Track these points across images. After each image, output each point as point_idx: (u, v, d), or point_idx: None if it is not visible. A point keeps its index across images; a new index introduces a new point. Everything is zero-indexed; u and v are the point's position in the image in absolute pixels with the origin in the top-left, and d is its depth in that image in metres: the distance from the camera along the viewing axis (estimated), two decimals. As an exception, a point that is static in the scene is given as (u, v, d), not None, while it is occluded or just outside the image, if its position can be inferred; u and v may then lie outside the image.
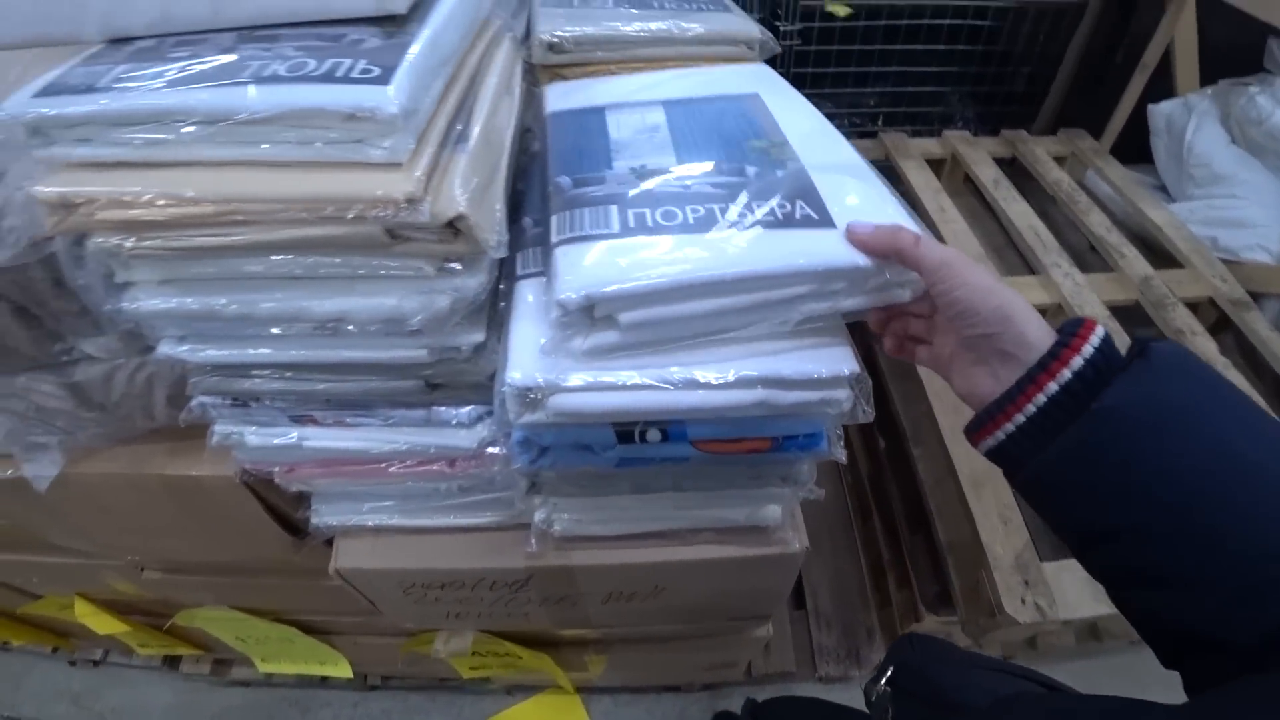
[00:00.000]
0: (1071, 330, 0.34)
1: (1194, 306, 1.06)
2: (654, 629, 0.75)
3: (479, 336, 0.42)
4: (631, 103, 0.53)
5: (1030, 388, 0.34)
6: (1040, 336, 0.35)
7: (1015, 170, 1.35)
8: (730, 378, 0.39)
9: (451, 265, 0.38)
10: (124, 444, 0.61)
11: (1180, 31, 1.24)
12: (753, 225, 0.40)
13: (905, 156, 1.33)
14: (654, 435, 0.43)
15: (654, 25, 0.62)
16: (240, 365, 0.45)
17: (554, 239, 0.40)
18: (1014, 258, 1.23)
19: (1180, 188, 1.27)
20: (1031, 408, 0.34)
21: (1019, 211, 1.20)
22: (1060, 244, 1.14)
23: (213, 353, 0.45)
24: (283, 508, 0.63)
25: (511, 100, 0.51)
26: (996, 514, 0.81)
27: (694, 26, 0.63)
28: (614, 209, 0.41)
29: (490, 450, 0.48)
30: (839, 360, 0.41)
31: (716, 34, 0.64)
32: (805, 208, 0.41)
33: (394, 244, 0.36)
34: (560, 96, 0.56)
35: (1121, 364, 0.33)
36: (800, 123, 0.51)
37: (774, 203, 0.41)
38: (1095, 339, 0.34)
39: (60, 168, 0.37)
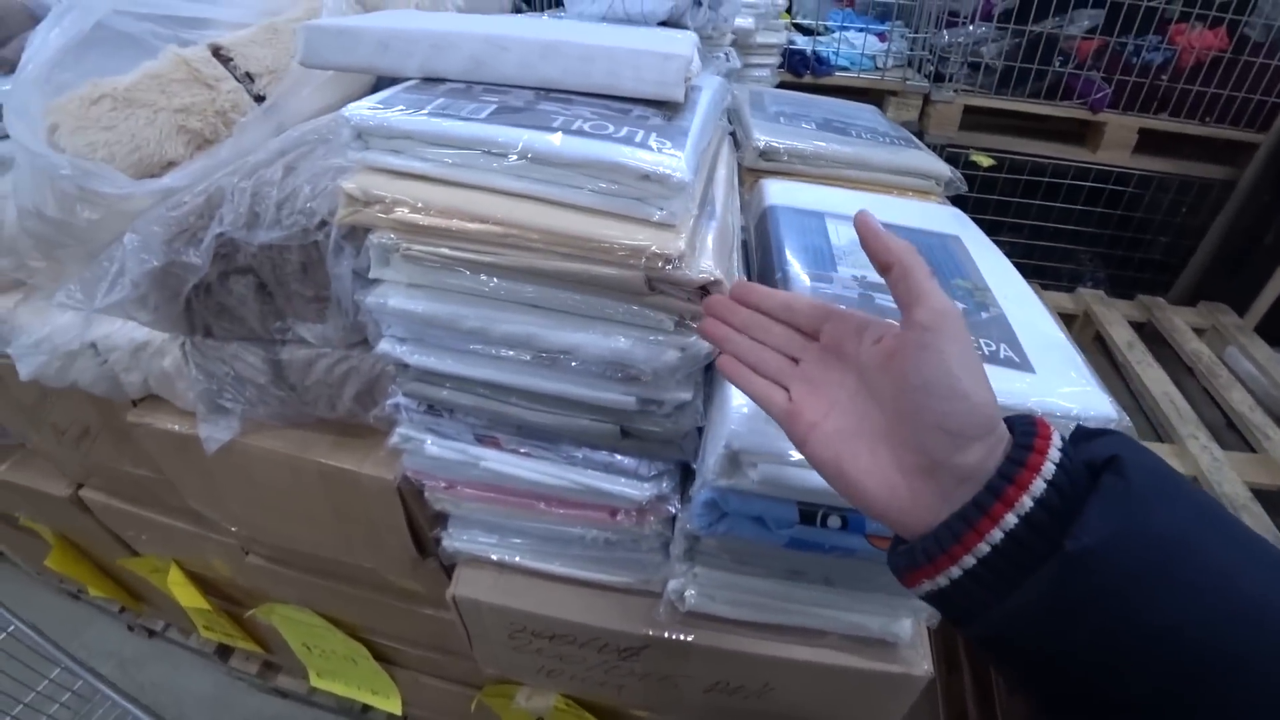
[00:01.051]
0: (1024, 442, 0.27)
1: (1346, 507, 0.98)
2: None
3: (686, 396, 0.44)
4: (846, 215, 0.57)
5: (982, 521, 0.26)
6: (999, 451, 0.27)
7: (1147, 336, 1.31)
8: None
9: (691, 324, 0.40)
10: (294, 427, 0.65)
11: (1340, 225, 1.22)
12: None
13: (1035, 303, 1.32)
14: (834, 521, 0.43)
15: (850, 151, 0.67)
16: (452, 376, 0.48)
17: None
18: (1141, 423, 1.18)
19: (1331, 382, 1.21)
20: (984, 547, 0.25)
21: (1154, 378, 1.16)
22: (1199, 417, 1.09)
23: (429, 360, 0.48)
24: (420, 522, 0.65)
25: (734, 194, 0.56)
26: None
27: (890, 158, 0.67)
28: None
29: (662, 505, 0.49)
30: None
31: (910, 167, 0.68)
32: (1009, 351, 0.43)
33: (648, 294, 0.39)
34: (780, 192, 0.60)
35: (1085, 479, 0.26)
36: (999, 274, 0.53)
37: (981, 341, 0.43)
38: (1055, 452, 0.26)
39: (367, 170, 0.43)
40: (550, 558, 0.60)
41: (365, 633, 0.90)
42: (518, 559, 0.61)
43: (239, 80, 0.68)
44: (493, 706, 0.79)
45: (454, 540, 0.63)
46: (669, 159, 0.38)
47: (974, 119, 1.47)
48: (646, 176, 0.37)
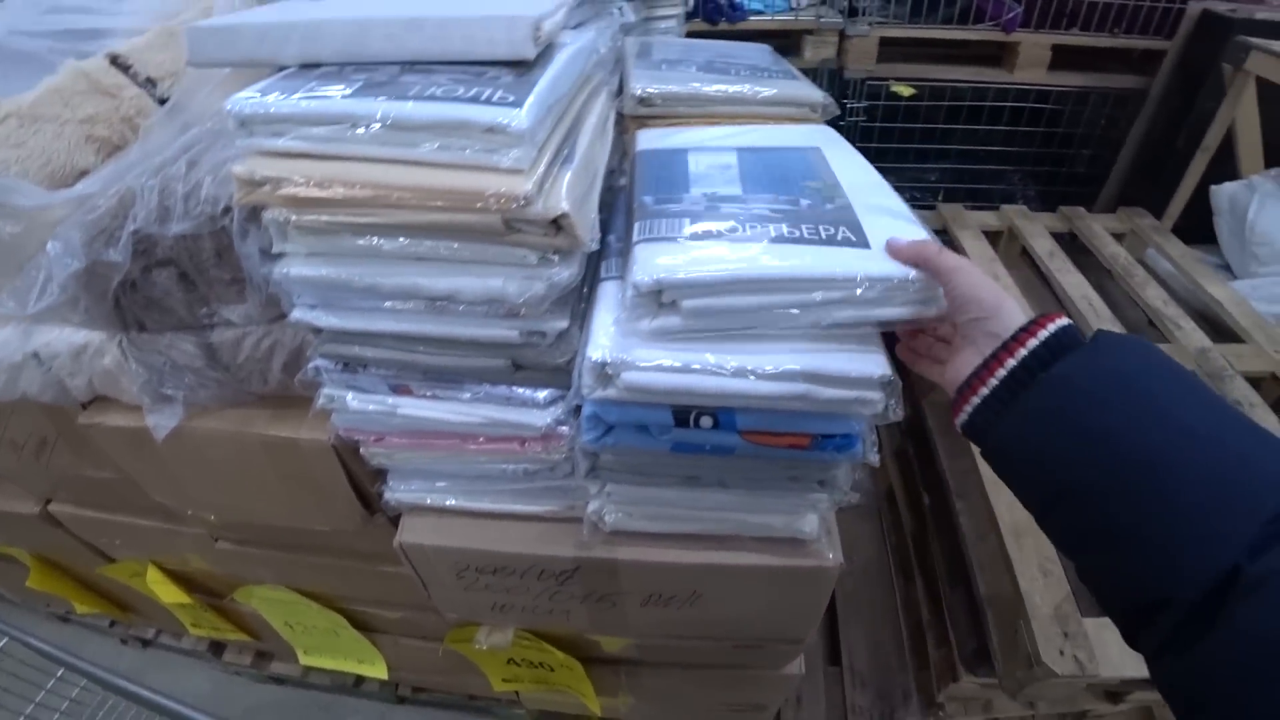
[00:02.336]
0: (1038, 318, 0.40)
1: (1255, 382, 1.05)
2: (687, 644, 0.77)
3: (563, 324, 0.48)
4: (710, 147, 0.62)
5: (994, 363, 0.40)
6: (1017, 323, 0.41)
7: (1073, 246, 1.37)
8: (775, 369, 0.45)
9: (551, 257, 0.45)
10: (235, 407, 0.69)
11: (1242, 115, 1.27)
12: (800, 241, 0.48)
13: (962, 227, 1.37)
14: (706, 421, 0.48)
15: (731, 88, 0.71)
16: (358, 333, 0.53)
17: (635, 239, 0.48)
18: (1068, 328, 1.24)
19: (1243, 266, 1.27)
20: (994, 380, 0.40)
21: (1073, 283, 1.22)
22: (1115, 316, 1.16)
23: (337, 320, 0.52)
24: (362, 480, 0.69)
25: (605, 140, 0.60)
26: (1037, 565, 0.81)
27: (765, 90, 0.71)
28: (686, 220, 0.49)
29: (561, 428, 0.54)
30: (872, 364, 0.47)
31: (785, 97, 0.72)
32: (847, 232, 0.49)
33: (508, 234, 0.44)
34: (649, 139, 0.65)
35: (1069, 348, 0.38)
36: (853, 172, 0.59)
37: (820, 226, 0.49)
38: (1054, 325, 0.39)
39: (254, 154, 0.47)
40: (481, 496, 0.65)
41: (340, 602, 0.96)
42: (453, 501, 0.66)
43: (140, 86, 0.71)
44: (461, 651, 0.84)
45: (395, 492, 0.68)
46: (509, 111, 0.42)
47: (891, 50, 1.50)
48: (490, 129, 0.42)
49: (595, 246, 0.45)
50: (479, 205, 0.42)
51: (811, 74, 1.52)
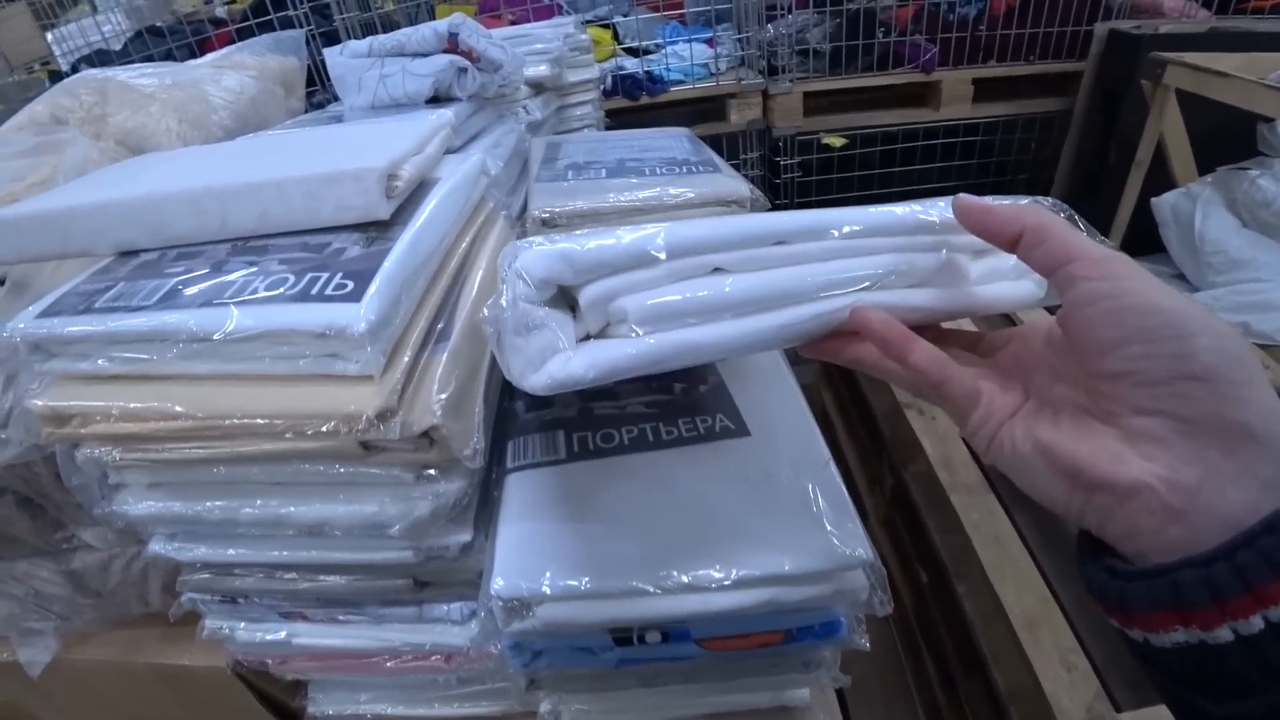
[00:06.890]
0: None
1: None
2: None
3: (465, 537, 0.40)
4: None
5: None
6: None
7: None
8: (731, 579, 0.36)
9: (429, 473, 0.37)
10: (118, 628, 0.59)
11: (1168, 127, 1.26)
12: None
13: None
14: (654, 637, 0.39)
15: (643, 194, 0.64)
16: (228, 565, 0.44)
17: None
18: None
19: (1200, 276, 1.24)
20: None
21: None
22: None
23: (202, 551, 0.44)
24: (278, 696, 0.59)
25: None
26: (1058, 659, 0.73)
27: (684, 191, 0.64)
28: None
29: (489, 646, 0.45)
30: (848, 547, 0.38)
31: (707, 196, 0.65)
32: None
33: (370, 455, 0.36)
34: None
35: None
36: None
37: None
38: None
39: (58, 380, 0.38)
40: (418, 703, 0.56)
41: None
42: (388, 709, 0.57)
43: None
44: None
45: (319, 706, 0.58)
46: (345, 309, 0.34)
47: (817, 103, 1.49)
48: (323, 335, 0.34)
49: (479, 463, 0.37)
50: (325, 429, 0.34)
51: (740, 136, 1.49)
